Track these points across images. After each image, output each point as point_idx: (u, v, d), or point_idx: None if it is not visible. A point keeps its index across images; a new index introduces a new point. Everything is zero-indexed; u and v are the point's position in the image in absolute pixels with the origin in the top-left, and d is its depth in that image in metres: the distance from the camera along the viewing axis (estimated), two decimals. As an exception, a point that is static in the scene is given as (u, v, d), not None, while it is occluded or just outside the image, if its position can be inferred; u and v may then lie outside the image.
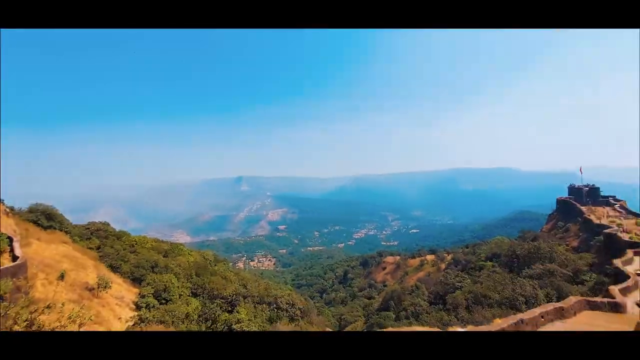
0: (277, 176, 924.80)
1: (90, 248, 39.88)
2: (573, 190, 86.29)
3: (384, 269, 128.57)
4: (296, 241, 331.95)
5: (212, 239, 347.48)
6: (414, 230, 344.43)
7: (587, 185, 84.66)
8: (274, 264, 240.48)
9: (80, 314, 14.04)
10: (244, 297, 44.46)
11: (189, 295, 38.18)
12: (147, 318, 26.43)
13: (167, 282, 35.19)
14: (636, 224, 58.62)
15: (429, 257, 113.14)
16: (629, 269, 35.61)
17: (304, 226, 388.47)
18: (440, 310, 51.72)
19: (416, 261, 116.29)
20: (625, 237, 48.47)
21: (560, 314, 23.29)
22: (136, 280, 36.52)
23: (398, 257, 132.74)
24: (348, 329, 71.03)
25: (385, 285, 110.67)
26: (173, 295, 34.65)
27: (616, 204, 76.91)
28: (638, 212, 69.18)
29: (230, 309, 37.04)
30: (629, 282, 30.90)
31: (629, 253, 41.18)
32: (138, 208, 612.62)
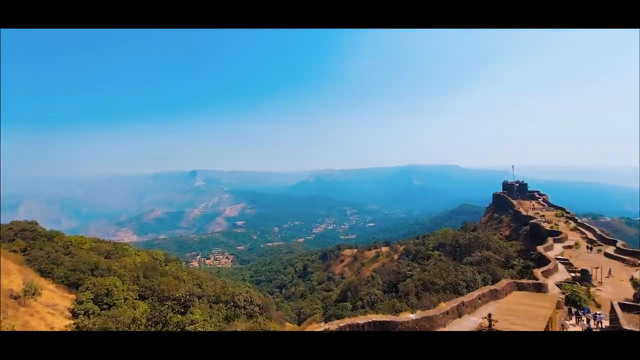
0: (235, 171, 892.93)
1: (14, 251, 34.89)
2: (506, 185, 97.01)
3: (342, 261, 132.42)
4: (255, 237, 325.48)
5: (163, 237, 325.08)
6: (371, 224, 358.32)
7: (517, 182, 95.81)
8: (232, 261, 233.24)
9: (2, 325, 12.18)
10: (199, 298, 42.53)
11: (135, 299, 35.39)
12: (85, 326, 23.93)
13: (109, 285, 32.16)
14: (555, 215, 68.10)
15: (384, 249, 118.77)
16: (550, 254, 41.34)
17: (264, 222, 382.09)
18: (393, 297, 54.87)
19: (372, 253, 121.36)
20: (547, 226, 56.09)
21: (494, 295, 26.21)
22: (72, 285, 32.81)
23: (355, 250, 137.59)
24: (307, 321, 71.97)
25: (343, 277, 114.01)
26: (117, 300, 31.82)
27: (540, 198, 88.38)
28: (558, 205, 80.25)
29: (183, 310, 35.17)
30: (550, 266, 35.89)
31: (550, 240, 47.75)
32: (73, 205, 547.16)
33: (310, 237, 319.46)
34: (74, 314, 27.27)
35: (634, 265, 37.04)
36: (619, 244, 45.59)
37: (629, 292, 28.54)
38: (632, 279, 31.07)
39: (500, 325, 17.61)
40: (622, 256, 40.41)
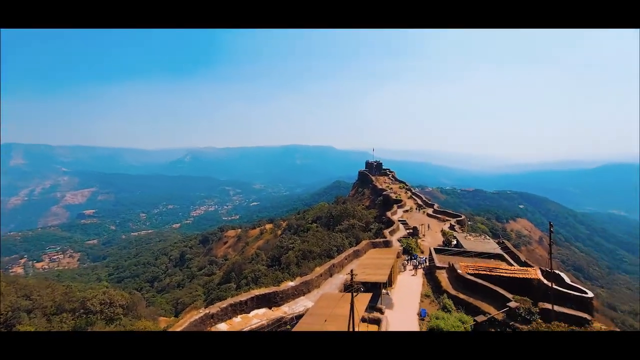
0: (77, 145, 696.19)
1: None
2: (367, 165, 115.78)
3: (225, 243, 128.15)
4: (113, 227, 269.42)
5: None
6: (255, 203, 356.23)
7: (375, 161, 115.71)
8: (78, 260, 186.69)
9: None
10: (28, 312, 32.61)
11: None
12: None
13: None
14: (399, 187, 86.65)
15: (268, 226, 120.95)
16: (394, 218, 52.62)
17: (125, 208, 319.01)
18: (276, 270, 57.71)
19: (256, 231, 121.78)
20: (394, 196, 70.82)
21: (357, 254, 31.51)
22: None
23: (239, 230, 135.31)
24: (186, 310, 66.84)
25: (226, 259, 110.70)
26: None
27: (390, 174, 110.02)
28: (400, 179, 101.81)
29: (4, 330, 26.22)
30: (394, 227, 45.77)
31: (395, 207, 60.67)
32: None
33: (188, 222, 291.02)
34: None
35: (443, 221, 51.95)
36: (435, 206, 62.97)
37: (440, 240, 39.98)
38: (442, 231, 43.56)
39: (359, 278, 21.45)
40: (437, 215, 55.95)
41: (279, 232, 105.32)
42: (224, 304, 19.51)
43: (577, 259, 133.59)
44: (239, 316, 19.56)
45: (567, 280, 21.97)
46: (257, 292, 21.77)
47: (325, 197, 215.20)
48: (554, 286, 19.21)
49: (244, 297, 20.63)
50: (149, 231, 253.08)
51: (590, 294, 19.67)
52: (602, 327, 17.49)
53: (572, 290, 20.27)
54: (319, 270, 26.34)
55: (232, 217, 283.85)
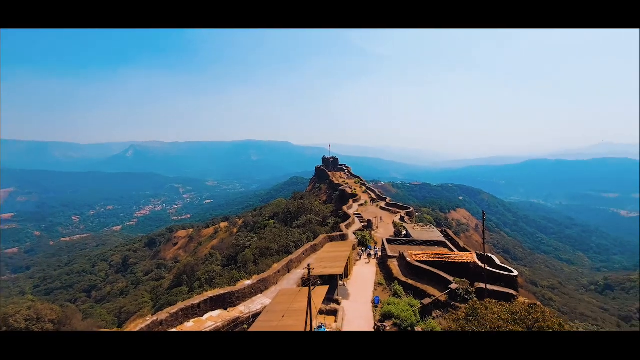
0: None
1: None
2: (324, 160, 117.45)
3: (176, 244, 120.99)
4: (37, 233, 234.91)
5: None
6: (208, 201, 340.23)
7: (332, 157, 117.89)
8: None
9: None
10: None
11: None
12: None
13: None
14: (355, 182, 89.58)
15: (223, 225, 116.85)
16: (350, 212, 54.32)
17: (53, 211, 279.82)
18: (232, 269, 55.86)
19: (210, 230, 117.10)
20: (349, 191, 73.04)
21: (314, 249, 31.93)
22: None
23: (191, 230, 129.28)
24: (131, 319, 61.42)
25: (177, 262, 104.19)
26: None
27: (346, 170, 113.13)
28: (356, 174, 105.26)
29: None
30: (350, 220, 47.22)
31: (350, 202, 62.60)
32: None
33: (132, 223, 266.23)
34: None
35: (395, 213, 55.10)
36: (388, 200, 66.50)
37: (392, 231, 42.36)
38: (393, 222, 46.19)
39: (317, 271, 21.81)
40: (388, 208, 59.13)
41: (235, 230, 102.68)
42: (174, 309, 18.33)
43: (506, 243, 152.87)
44: (191, 321, 18.58)
45: (497, 261, 24.96)
46: (211, 293, 20.85)
47: (282, 193, 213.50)
48: (487, 267, 21.69)
49: (196, 300, 19.61)
50: (84, 235, 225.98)
51: (515, 273, 22.63)
52: (526, 300, 20.28)
53: (502, 270, 23.10)
54: (276, 266, 26.14)
55: (183, 217, 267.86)
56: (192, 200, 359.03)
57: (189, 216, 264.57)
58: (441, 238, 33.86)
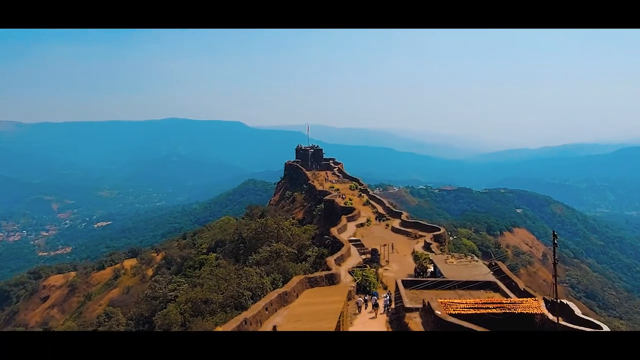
0: None
1: None
2: (300, 152, 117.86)
3: (46, 299, 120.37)
4: None
5: None
6: (103, 223, 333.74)
7: (312, 147, 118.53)
8: None
9: None
10: None
11: None
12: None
13: None
14: (350, 187, 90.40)
15: (128, 263, 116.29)
16: (343, 236, 54.52)
17: None
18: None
19: (107, 273, 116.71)
20: (342, 202, 73.53)
21: (284, 299, 31.71)
22: None
23: (73, 274, 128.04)
24: None
25: (48, 328, 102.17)
26: None
27: (335, 167, 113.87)
28: (352, 175, 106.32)
29: None
30: (343, 251, 47.36)
31: (343, 220, 62.96)
32: None
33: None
34: None
35: (415, 237, 55.97)
36: (404, 216, 67.50)
37: (411, 266, 42.88)
38: (413, 253, 46.86)
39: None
40: (405, 229, 60.04)
41: (150, 271, 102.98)
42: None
43: (590, 282, 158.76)
44: None
45: (578, 312, 25.83)
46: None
47: (230, 208, 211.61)
48: (562, 322, 22.38)
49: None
50: None
51: (606, 329, 23.48)
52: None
53: (584, 326, 23.89)
54: (220, 330, 25.79)
55: (58, 252, 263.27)
56: (75, 222, 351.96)
57: (69, 250, 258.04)
58: (490, 277, 34.64)
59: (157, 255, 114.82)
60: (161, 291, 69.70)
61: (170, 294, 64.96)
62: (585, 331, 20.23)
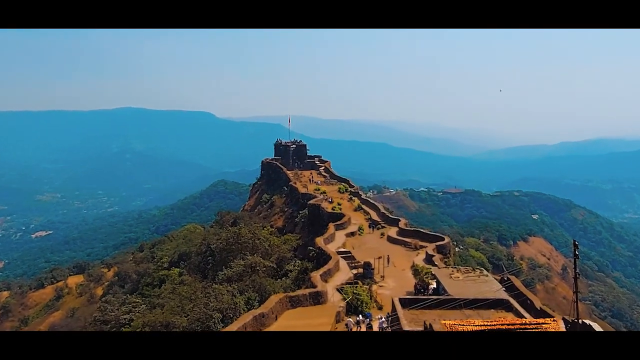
0: None
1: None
2: (280, 148, 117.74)
3: None
4: None
5: None
6: (42, 233, 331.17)
7: (294, 142, 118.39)
8: None
9: None
10: None
11: None
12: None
13: None
14: (338, 190, 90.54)
15: (73, 281, 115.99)
16: (331, 248, 54.53)
17: None
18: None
19: (48, 293, 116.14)
20: (329, 207, 73.58)
21: (261, 322, 31.63)
22: None
23: (6, 294, 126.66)
24: None
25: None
26: None
27: (322, 166, 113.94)
28: (341, 175, 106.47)
29: None
30: (330, 264, 47.33)
31: (331, 228, 62.93)
32: None
33: None
34: None
35: (415, 248, 56.33)
36: (402, 223, 67.82)
37: (411, 282, 43.12)
38: (413, 266, 47.14)
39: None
40: (403, 239, 60.41)
41: (99, 290, 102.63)
42: None
43: (616, 299, 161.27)
44: None
45: (602, 333, 26.29)
46: None
47: (196, 214, 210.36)
48: (584, 345, 22.69)
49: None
50: None
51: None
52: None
53: (609, 349, 24.37)
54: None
55: None
56: (8, 232, 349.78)
57: (0, 265, 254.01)
58: (501, 294, 35.00)
59: (109, 270, 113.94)
60: (113, 314, 68.67)
61: (124, 317, 64.16)
62: (585, 331, 20.73)
